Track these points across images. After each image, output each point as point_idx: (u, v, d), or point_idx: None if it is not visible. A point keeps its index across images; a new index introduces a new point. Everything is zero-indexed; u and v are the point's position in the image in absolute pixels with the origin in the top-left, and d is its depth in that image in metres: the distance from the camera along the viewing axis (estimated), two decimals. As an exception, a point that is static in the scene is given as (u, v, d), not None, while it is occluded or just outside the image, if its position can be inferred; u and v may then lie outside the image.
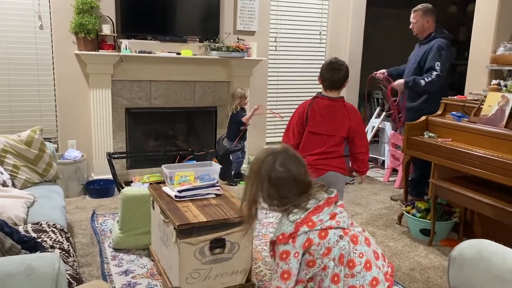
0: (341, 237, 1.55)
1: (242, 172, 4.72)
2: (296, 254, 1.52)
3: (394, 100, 4.15)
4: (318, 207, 1.57)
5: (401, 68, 4.21)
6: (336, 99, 2.76)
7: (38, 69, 4.06)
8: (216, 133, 4.82)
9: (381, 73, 4.24)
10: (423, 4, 3.86)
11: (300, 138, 2.82)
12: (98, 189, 4.11)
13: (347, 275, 1.51)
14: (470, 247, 1.69)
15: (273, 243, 1.59)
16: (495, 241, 1.69)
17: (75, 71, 4.14)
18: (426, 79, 3.74)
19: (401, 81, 3.88)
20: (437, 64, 3.69)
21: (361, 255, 1.54)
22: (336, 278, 1.51)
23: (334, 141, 2.77)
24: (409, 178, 4.07)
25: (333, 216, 1.58)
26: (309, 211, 1.55)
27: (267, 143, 5.14)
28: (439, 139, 3.33)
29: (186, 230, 2.24)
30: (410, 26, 3.93)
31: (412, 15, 3.90)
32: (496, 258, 1.58)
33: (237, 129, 4.53)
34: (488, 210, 2.81)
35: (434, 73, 3.70)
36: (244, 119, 4.51)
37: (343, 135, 2.77)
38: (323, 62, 4.61)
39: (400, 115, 4.18)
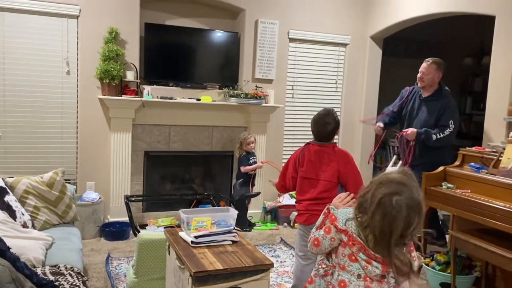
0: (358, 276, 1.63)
1: (249, 218, 4.70)
2: (332, 239, 1.69)
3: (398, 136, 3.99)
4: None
5: (390, 113, 4.16)
6: (326, 145, 2.87)
7: (63, 112, 4.20)
8: (232, 178, 4.85)
9: (378, 126, 4.11)
10: (436, 58, 3.84)
11: (295, 182, 2.94)
12: (114, 232, 4.12)
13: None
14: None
15: (328, 210, 1.79)
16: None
17: (98, 115, 4.27)
18: (438, 135, 3.73)
19: (413, 130, 3.81)
20: (451, 122, 3.73)
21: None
22: (342, 284, 1.65)
23: (325, 186, 2.83)
24: None
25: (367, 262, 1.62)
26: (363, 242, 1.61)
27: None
28: (458, 190, 3.30)
29: (202, 278, 2.22)
30: (419, 76, 3.86)
31: (424, 65, 3.84)
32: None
33: (242, 173, 4.57)
34: (510, 264, 2.73)
35: (448, 130, 3.73)
36: (242, 168, 4.55)
37: (333, 180, 2.82)
38: (339, 109, 4.71)
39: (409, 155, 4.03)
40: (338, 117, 3.03)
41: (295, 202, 3.04)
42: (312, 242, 1.78)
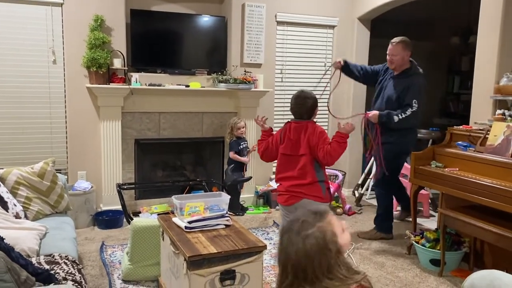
0: None
1: (241, 202, 4.74)
2: None
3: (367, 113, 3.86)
4: None
5: (359, 66, 4.05)
6: (303, 121, 2.96)
7: (51, 102, 4.16)
8: (223, 163, 4.87)
9: (339, 62, 3.97)
10: (401, 37, 3.72)
11: (272, 155, 3.09)
12: (107, 220, 4.13)
13: None
14: (481, 278, 1.70)
15: None
16: (506, 271, 1.70)
17: (86, 104, 4.24)
18: (400, 115, 3.61)
19: (375, 113, 3.72)
20: (415, 101, 3.59)
21: None
22: None
23: (302, 161, 2.91)
24: (376, 213, 4.08)
25: None
26: None
27: (273, 172, 5.17)
28: (446, 169, 3.36)
29: (196, 262, 2.25)
30: (388, 58, 3.75)
31: (390, 47, 3.71)
32: (508, 289, 1.58)
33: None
34: (497, 239, 2.81)
35: (410, 109, 3.60)
36: (231, 154, 4.59)
37: (306, 153, 2.90)
38: (328, 92, 4.73)
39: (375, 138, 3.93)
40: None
41: (276, 182, 3.14)
42: None
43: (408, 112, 3.61)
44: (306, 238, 1.31)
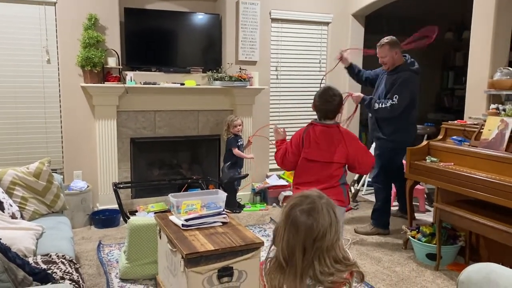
0: None
1: (238, 200, 4.74)
2: None
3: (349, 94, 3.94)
4: None
5: (366, 72, 4.18)
6: (331, 125, 2.78)
7: (45, 101, 4.14)
8: (219, 161, 4.87)
9: (345, 56, 4.11)
10: (386, 38, 3.80)
11: (295, 163, 2.83)
12: (104, 219, 4.13)
13: None
14: (477, 271, 1.71)
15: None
16: (501, 264, 1.71)
17: (81, 103, 4.22)
18: (380, 105, 3.73)
19: (360, 95, 3.87)
20: (395, 96, 3.66)
21: None
22: None
23: (331, 169, 2.72)
24: (373, 208, 4.10)
25: None
26: None
27: (270, 170, 5.18)
28: (441, 164, 3.38)
29: (194, 259, 2.26)
30: (380, 61, 3.85)
31: (378, 50, 3.81)
32: (504, 282, 1.60)
33: (230, 155, 4.59)
34: (492, 233, 2.83)
35: (389, 102, 3.68)
36: (234, 151, 4.56)
37: (342, 162, 2.73)
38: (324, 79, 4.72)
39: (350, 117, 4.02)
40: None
41: (294, 185, 2.89)
42: None
43: (388, 104, 3.70)
44: (325, 206, 1.37)
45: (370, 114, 4.00)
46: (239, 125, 4.58)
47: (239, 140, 4.61)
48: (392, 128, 3.81)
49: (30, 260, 2.28)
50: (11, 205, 2.83)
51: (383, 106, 3.72)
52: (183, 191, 4.25)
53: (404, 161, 3.94)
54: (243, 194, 4.85)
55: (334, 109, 2.76)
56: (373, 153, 3.97)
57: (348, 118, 3.96)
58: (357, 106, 3.91)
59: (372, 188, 4.22)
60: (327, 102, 2.75)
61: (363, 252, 3.61)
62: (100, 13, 4.15)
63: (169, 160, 5.02)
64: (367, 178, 5.19)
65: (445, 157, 3.43)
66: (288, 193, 4.74)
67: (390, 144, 3.85)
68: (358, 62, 5.36)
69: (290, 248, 1.35)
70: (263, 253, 3.31)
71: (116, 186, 4.09)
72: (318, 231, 1.33)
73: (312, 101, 2.92)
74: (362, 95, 3.86)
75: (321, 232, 1.33)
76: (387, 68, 3.85)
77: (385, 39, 3.78)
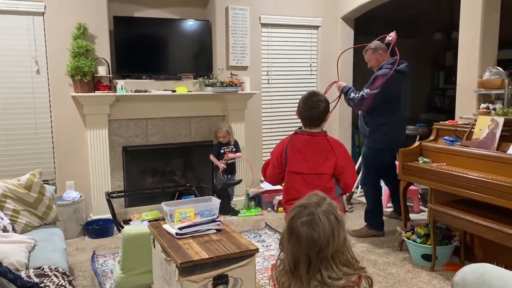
0: None
1: (233, 205, 4.73)
2: None
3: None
4: None
5: None
6: (317, 134, 2.56)
7: (36, 112, 4.11)
8: (213, 167, 4.85)
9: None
10: (370, 44, 3.96)
11: (282, 178, 2.65)
12: (97, 229, 4.09)
13: None
14: (472, 271, 1.71)
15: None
16: (496, 264, 1.72)
17: (72, 113, 4.20)
18: (353, 93, 3.86)
19: (342, 83, 4.02)
20: (365, 90, 3.78)
21: None
22: None
23: (323, 180, 2.52)
24: (365, 210, 4.12)
25: None
26: None
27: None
28: (434, 164, 3.39)
29: (188, 268, 2.24)
30: (368, 66, 4.04)
31: (365, 56, 4.01)
32: (498, 282, 1.60)
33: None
34: (486, 232, 2.84)
35: (359, 93, 3.81)
36: (210, 156, 4.66)
37: (329, 173, 2.53)
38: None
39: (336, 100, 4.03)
40: None
41: (284, 203, 2.69)
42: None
43: (358, 94, 3.81)
44: (324, 214, 1.34)
45: (360, 112, 4.05)
46: (224, 137, 4.59)
47: (223, 148, 4.62)
48: (374, 124, 3.88)
49: (23, 273, 2.25)
50: (2, 218, 2.79)
51: (354, 96, 3.85)
52: (175, 199, 4.23)
53: (397, 162, 3.96)
54: (238, 199, 4.84)
55: (319, 115, 2.53)
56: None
57: (334, 101, 3.89)
58: (340, 94, 4.01)
59: None
60: (312, 108, 2.52)
61: (358, 255, 3.61)
62: (89, 22, 4.13)
63: (162, 168, 4.99)
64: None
65: (437, 157, 3.44)
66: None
67: (373, 143, 3.92)
68: (349, 63, 5.41)
69: (295, 259, 1.35)
70: (258, 259, 3.31)
71: (109, 196, 4.05)
72: (321, 243, 1.31)
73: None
74: (344, 84, 4.03)
75: (323, 244, 1.31)
76: (376, 70, 3.95)
77: (368, 46, 3.98)
